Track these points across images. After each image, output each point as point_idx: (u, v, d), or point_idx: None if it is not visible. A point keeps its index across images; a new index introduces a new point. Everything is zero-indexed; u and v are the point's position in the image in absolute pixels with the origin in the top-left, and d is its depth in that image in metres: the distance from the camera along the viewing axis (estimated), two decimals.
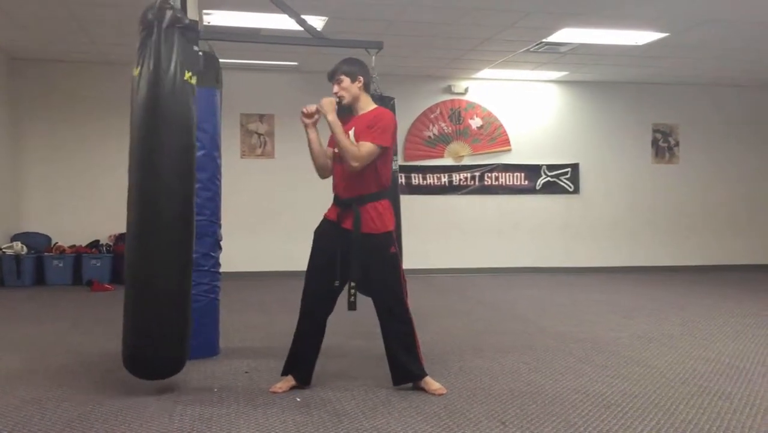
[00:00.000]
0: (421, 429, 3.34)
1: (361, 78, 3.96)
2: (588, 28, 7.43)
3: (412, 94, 9.88)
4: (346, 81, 3.94)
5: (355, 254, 3.85)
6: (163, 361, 3.83)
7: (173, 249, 3.76)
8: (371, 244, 3.89)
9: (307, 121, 3.97)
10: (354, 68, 3.96)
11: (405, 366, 3.97)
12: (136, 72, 3.74)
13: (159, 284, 3.73)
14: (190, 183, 3.85)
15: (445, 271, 9.84)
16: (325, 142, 4.09)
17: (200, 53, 3.93)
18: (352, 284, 3.91)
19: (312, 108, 3.94)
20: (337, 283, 3.91)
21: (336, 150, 3.96)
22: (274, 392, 3.92)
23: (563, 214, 10.60)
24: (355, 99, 3.97)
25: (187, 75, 3.76)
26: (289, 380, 4.00)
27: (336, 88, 3.97)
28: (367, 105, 4.02)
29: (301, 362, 4.01)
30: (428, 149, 10.22)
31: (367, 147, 3.82)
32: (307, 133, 3.99)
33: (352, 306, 3.93)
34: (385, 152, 3.93)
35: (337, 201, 4.00)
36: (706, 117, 10.99)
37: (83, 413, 3.55)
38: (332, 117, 3.87)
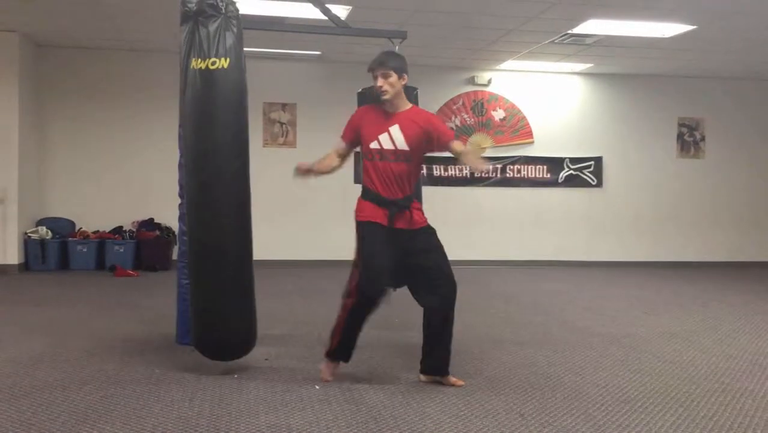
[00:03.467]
0: (439, 420, 3.34)
1: (406, 76, 3.96)
2: (614, 19, 7.34)
3: (435, 84, 9.83)
4: (393, 77, 3.89)
5: (417, 253, 3.91)
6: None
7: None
8: (426, 236, 3.95)
9: (306, 177, 4.05)
10: (402, 64, 3.96)
11: (444, 357, 3.98)
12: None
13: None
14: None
15: (465, 263, 9.76)
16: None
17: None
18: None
19: (304, 166, 4.00)
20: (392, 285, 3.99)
21: (376, 147, 3.89)
22: (327, 381, 3.93)
23: (586, 207, 10.51)
24: (397, 95, 3.95)
25: (195, 62, 3.85)
26: (338, 366, 4.02)
27: (381, 82, 3.88)
28: (405, 103, 4.01)
29: (351, 346, 4.02)
30: None
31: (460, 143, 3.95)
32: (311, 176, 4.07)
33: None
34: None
35: (385, 202, 3.88)
36: (733, 112, 10.81)
37: (105, 396, 3.60)
38: (470, 157, 3.85)
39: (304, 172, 4.00)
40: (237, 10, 3.96)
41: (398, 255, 3.85)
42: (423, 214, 4.03)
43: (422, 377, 4.01)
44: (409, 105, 4.03)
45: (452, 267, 3.99)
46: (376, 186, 3.90)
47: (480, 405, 3.57)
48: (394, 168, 3.87)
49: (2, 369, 4.08)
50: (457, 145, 3.89)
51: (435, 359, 3.98)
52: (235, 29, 3.93)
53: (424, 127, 3.89)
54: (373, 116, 3.98)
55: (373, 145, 3.89)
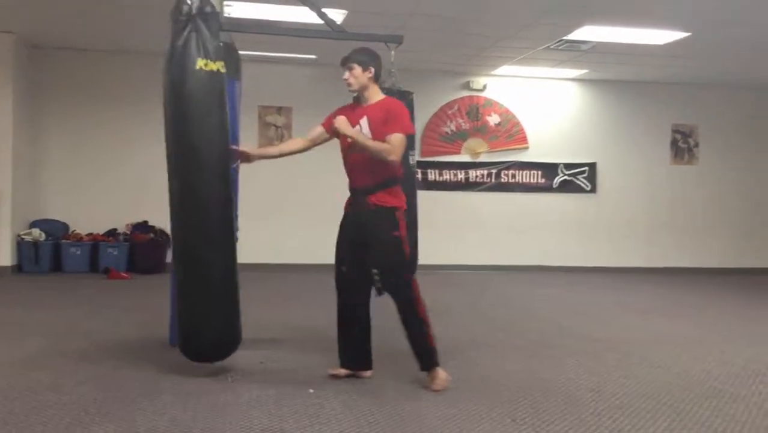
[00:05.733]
0: (431, 424, 3.34)
1: (372, 68, 4.01)
2: (609, 26, 7.38)
3: (431, 89, 9.86)
4: (357, 69, 3.99)
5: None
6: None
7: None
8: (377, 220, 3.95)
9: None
10: (366, 58, 4.02)
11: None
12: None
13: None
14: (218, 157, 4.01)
15: (459, 267, 9.80)
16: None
17: (220, 43, 3.95)
18: (374, 270, 3.93)
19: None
20: (344, 268, 4.05)
21: (347, 139, 3.96)
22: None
23: (580, 213, 10.54)
24: (363, 88, 4.02)
25: (201, 62, 3.82)
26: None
27: (346, 75, 4.01)
28: (375, 95, 4.06)
29: None
30: (445, 145, 10.20)
31: (397, 138, 3.86)
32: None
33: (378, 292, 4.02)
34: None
35: (352, 191, 4.09)
36: (726, 118, 10.87)
37: (98, 398, 3.59)
38: (352, 131, 3.91)
39: (243, 155, 4.28)
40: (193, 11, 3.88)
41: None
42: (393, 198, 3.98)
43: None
44: (382, 96, 4.07)
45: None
46: (348, 176, 4.08)
47: (473, 409, 3.57)
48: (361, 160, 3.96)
49: None
50: (389, 137, 3.85)
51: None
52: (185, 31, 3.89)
53: (384, 113, 3.94)
54: (348, 110, 4.08)
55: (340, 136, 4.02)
